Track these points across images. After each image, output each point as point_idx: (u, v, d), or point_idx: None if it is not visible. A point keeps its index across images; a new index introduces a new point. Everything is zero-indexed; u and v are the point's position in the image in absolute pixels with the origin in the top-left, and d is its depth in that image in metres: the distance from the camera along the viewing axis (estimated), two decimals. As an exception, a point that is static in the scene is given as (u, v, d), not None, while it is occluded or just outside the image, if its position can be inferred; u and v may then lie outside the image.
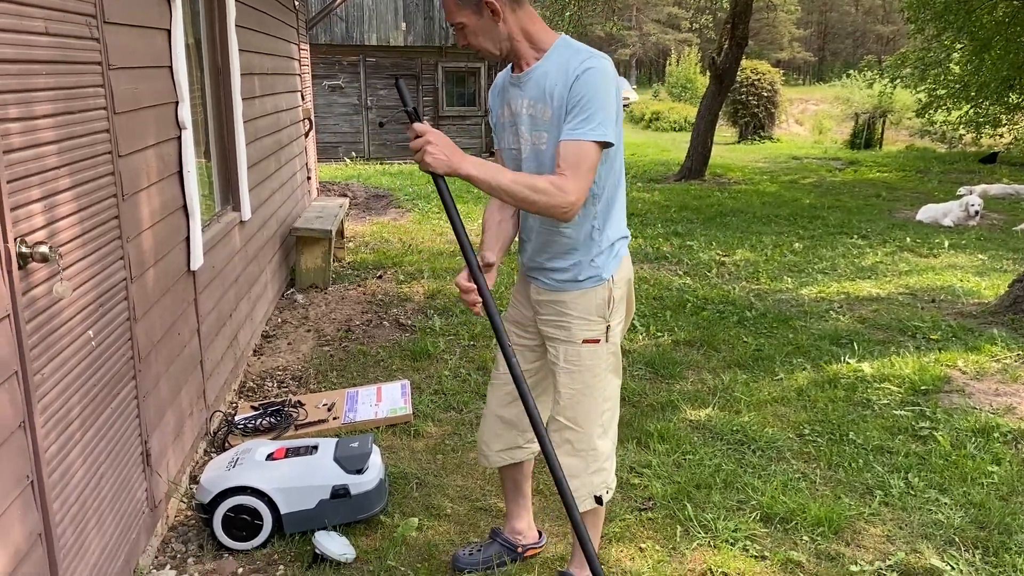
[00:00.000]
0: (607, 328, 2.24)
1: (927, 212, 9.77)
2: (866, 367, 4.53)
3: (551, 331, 2.28)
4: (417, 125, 1.97)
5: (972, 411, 3.96)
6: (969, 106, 16.92)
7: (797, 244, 8.04)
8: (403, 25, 15.72)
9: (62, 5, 2.18)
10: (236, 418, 3.72)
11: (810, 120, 27.80)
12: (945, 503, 3.12)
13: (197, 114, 3.93)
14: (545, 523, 2.93)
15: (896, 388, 4.26)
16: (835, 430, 3.76)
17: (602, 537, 2.83)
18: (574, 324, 2.23)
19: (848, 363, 4.61)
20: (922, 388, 4.24)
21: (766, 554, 2.78)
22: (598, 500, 2.29)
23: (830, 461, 3.47)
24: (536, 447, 2.51)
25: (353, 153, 15.99)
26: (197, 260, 3.31)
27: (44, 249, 1.90)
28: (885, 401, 4.09)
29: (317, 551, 2.47)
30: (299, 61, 7.55)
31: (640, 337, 5.08)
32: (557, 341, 2.26)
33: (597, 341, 2.23)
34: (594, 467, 2.26)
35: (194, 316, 3.40)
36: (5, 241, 1.79)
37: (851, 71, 28.62)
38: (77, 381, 2.20)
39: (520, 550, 2.67)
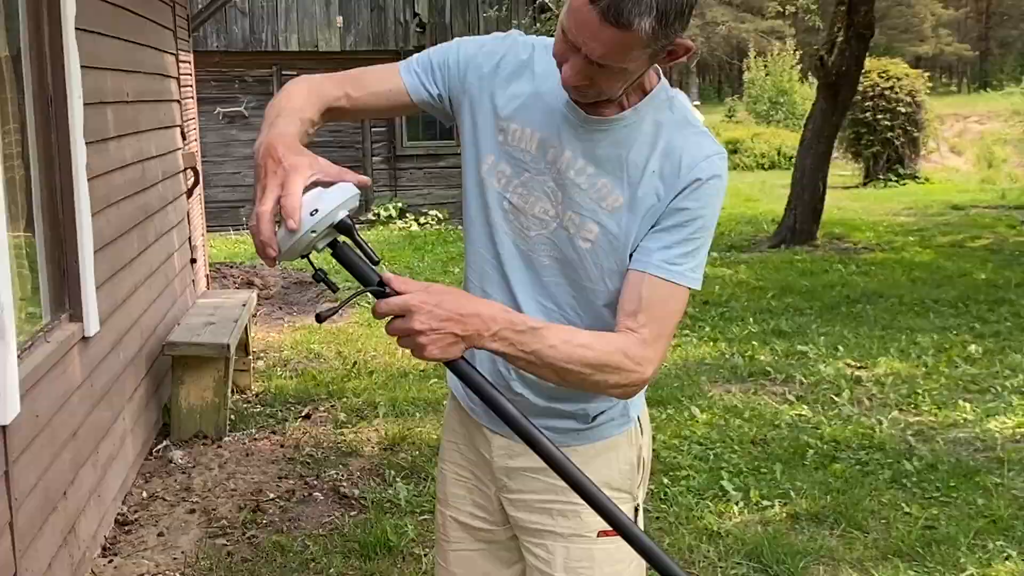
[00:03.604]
0: (636, 508, 2.28)
1: None
2: (1110, 552, 4.35)
3: (539, 520, 2.26)
4: (383, 304, 1.80)
5: None
6: None
7: (973, 346, 8.00)
8: (339, 19, 16.06)
9: None
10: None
11: (973, 147, 28.19)
12: None
13: (13, 169, 3.87)
14: None
15: None
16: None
17: None
18: (581, 505, 2.17)
19: (1079, 546, 4.45)
20: None
21: None
22: None
23: None
24: None
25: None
26: (10, 409, 3.23)
27: None
28: None
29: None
30: (178, 80, 7.59)
31: (734, 509, 4.97)
32: (552, 535, 2.25)
33: None
34: None
35: (4, 501, 3.30)
36: None
37: (1032, 71, 29.19)
38: None
39: None
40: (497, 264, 2.13)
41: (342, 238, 1.80)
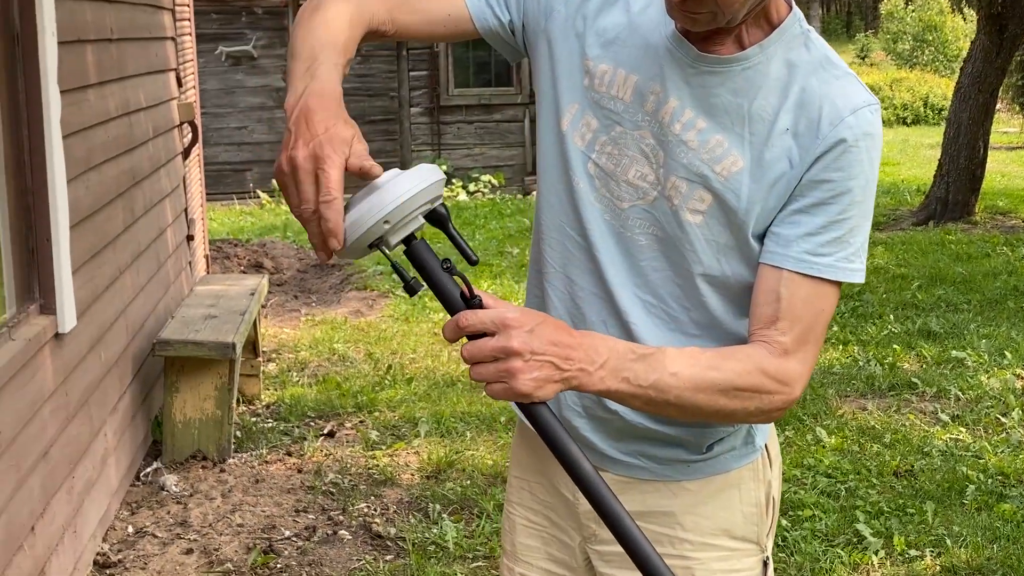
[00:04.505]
0: (764, 562, 2.28)
1: None
2: None
3: None
4: (470, 315, 1.78)
5: None
6: None
7: None
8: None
9: None
10: None
11: None
12: None
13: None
14: None
15: None
16: None
17: None
18: (694, 559, 2.24)
19: None
20: None
21: None
22: None
23: None
24: None
25: (275, 182, 16.11)
26: None
27: None
28: None
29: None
30: (172, 12, 7.62)
31: (873, 560, 4.92)
32: None
33: None
34: None
35: (-43, 538, 3.33)
36: None
37: None
38: None
39: None
40: (584, 244, 2.11)
41: (419, 234, 1.79)
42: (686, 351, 1.95)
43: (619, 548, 2.20)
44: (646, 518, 2.18)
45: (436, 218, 1.77)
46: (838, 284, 2.01)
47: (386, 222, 1.70)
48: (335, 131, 1.70)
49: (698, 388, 1.91)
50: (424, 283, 1.79)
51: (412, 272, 1.79)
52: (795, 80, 2.00)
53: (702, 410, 1.95)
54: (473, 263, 1.79)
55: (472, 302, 1.77)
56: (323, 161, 1.67)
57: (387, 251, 1.77)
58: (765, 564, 2.26)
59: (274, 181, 11.63)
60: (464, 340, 1.79)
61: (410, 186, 1.71)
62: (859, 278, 2.00)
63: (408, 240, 1.77)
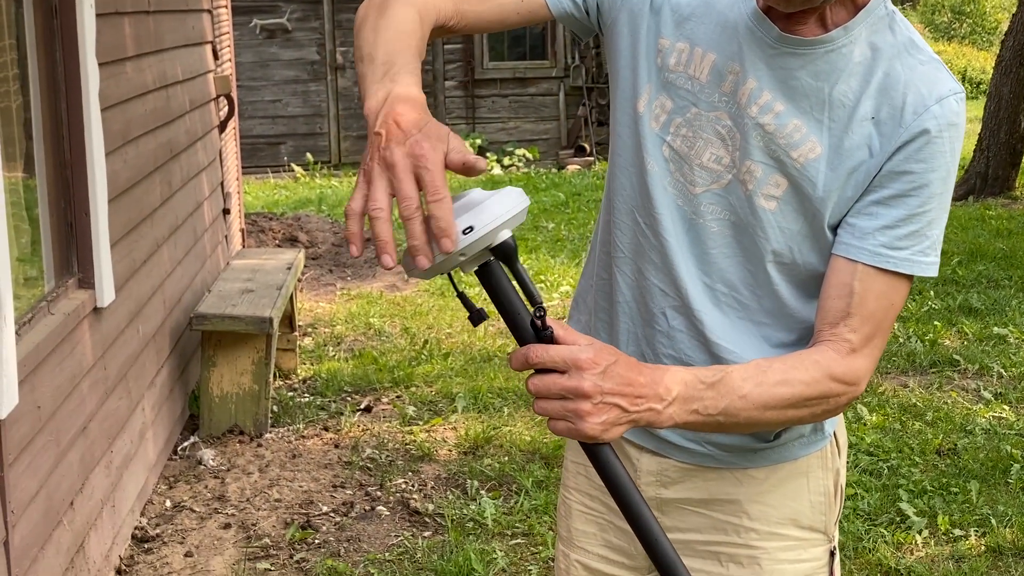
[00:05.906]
0: (831, 551, 2.25)
1: None
2: None
3: (701, 567, 2.22)
4: (540, 351, 1.72)
5: None
6: None
7: None
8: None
9: None
10: None
11: None
12: None
13: (9, 96, 3.88)
14: None
15: None
16: None
17: None
18: (760, 549, 2.20)
19: None
20: None
21: None
22: None
23: None
24: None
25: (310, 156, 16.26)
26: (5, 400, 3.23)
27: None
28: None
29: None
30: (209, -17, 7.60)
31: (917, 540, 4.89)
32: None
33: None
34: None
35: (-2, 512, 3.32)
36: None
37: None
38: None
39: None
40: (653, 231, 2.06)
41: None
42: (751, 367, 1.92)
43: (681, 536, 2.20)
44: (711, 506, 2.17)
45: (504, 250, 1.66)
46: (911, 277, 1.97)
47: (462, 255, 1.60)
48: (430, 128, 1.60)
49: (767, 407, 1.89)
50: (495, 308, 1.72)
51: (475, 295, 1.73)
52: (879, 64, 1.96)
53: (771, 424, 1.95)
54: (536, 303, 1.71)
55: (543, 334, 1.70)
56: (423, 159, 1.55)
57: (453, 277, 1.71)
58: (832, 553, 2.23)
59: (308, 155, 11.64)
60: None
61: (491, 218, 1.61)
62: (933, 271, 1.97)
63: (483, 264, 1.69)
